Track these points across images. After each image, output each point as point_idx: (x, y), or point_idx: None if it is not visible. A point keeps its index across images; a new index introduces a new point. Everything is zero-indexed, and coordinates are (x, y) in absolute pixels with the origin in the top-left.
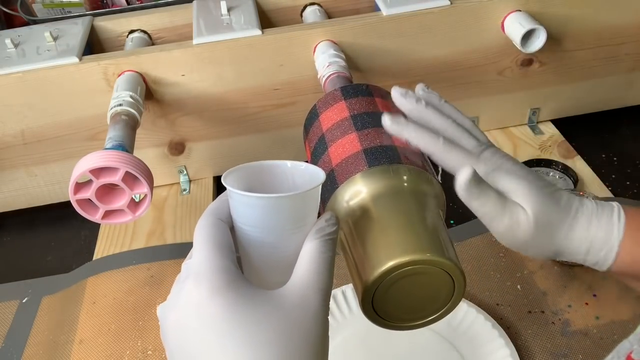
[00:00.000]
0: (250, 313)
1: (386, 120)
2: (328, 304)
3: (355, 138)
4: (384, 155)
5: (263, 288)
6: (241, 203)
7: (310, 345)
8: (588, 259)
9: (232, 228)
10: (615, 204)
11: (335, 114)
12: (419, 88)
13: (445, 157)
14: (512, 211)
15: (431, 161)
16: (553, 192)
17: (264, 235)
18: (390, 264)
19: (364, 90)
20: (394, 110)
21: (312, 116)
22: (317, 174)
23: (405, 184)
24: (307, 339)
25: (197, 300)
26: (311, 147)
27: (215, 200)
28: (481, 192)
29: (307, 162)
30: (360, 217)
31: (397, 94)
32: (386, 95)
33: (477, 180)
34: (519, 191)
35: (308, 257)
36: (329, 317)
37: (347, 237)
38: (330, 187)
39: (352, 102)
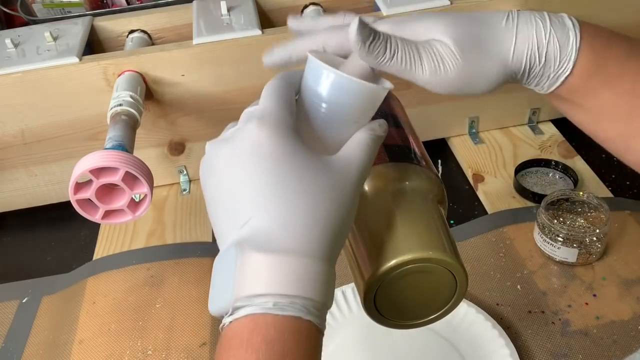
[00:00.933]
0: (303, 163)
1: (264, 58)
2: (363, 182)
3: None
4: (389, 154)
5: None
6: (323, 79)
7: (342, 206)
8: (542, 76)
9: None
10: (564, 13)
11: None
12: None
13: (331, 43)
14: (429, 49)
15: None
16: (476, 14)
17: (330, 113)
18: (393, 262)
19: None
20: (386, 106)
21: None
22: (387, 83)
23: (408, 183)
24: (341, 201)
25: (259, 139)
26: None
27: (289, 71)
28: (382, 40)
29: None
30: (362, 216)
31: (291, 20)
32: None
33: (369, 29)
34: (431, 26)
35: (357, 142)
36: (328, 317)
37: (348, 236)
38: None
39: None
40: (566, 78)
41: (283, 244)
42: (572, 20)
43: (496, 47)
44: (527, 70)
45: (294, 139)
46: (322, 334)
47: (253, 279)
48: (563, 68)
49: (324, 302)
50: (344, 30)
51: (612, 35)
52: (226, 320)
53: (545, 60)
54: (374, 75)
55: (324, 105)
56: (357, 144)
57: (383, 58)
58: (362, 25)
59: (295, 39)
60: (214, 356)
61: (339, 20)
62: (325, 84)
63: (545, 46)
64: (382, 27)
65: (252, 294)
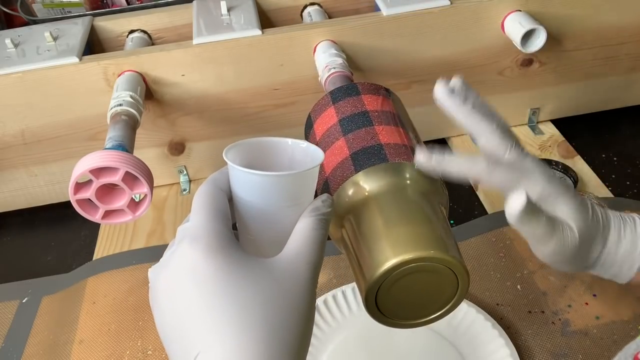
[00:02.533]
0: (243, 276)
1: (420, 157)
2: (317, 278)
3: (343, 143)
4: (372, 156)
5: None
6: (241, 178)
7: (297, 312)
8: (619, 271)
9: (230, 199)
10: (636, 216)
11: (326, 121)
12: (458, 83)
13: (490, 179)
14: (560, 232)
15: None
16: (590, 209)
17: (262, 210)
18: (394, 261)
19: (352, 90)
20: (383, 105)
21: (308, 126)
22: (316, 154)
23: (409, 182)
24: (295, 306)
25: (192, 260)
26: None
27: (216, 172)
28: (533, 217)
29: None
30: (363, 216)
31: (441, 92)
32: (376, 91)
33: (531, 206)
34: (567, 211)
35: (302, 232)
36: (328, 318)
37: (349, 235)
38: (325, 191)
39: (340, 105)
40: (633, 276)
41: None
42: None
43: (599, 247)
44: (603, 270)
45: (229, 252)
46: None
47: None
48: (631, 269)
49: None
50: (497, 172)
51: None
52: None
53: (621, 266)
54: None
55: (254, 204)
56: (300, 237)
57: (528, 228)
58: (529, 204)
59: (450, 157)
60: None
61: (490, 132)
62: (245, 184)
63: (622, 255)
64: (530, 190)
65: None
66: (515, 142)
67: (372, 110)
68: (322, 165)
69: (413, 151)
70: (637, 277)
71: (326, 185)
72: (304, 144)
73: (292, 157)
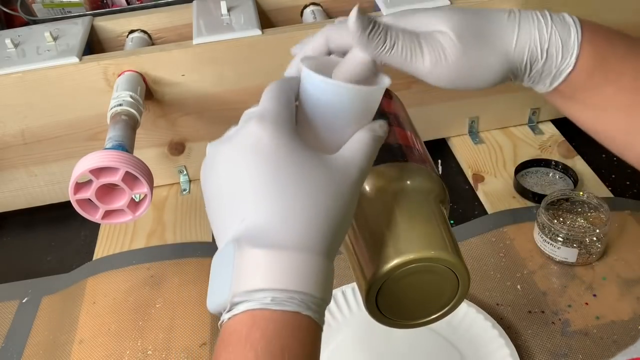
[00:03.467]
0: (303, 160)
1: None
2: (362, 182)
3: None
4: (391, 153)
5: None
6: (316, 86)
7: (342, 201)
8: (543, 69)
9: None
10: (565, 12)
11: None
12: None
13: (335, 36)
14: (429, 38)
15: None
16: (479, 9)
17: (327, 117)
18: (395, 261)
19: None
20: (391, 107)
21: None
22: (384, 79)
23: (410, 182)
24: (341, 196)
25: (259, 137)
26: None
27: (287, 77)
28: (382, 31)
29: None
30: (364, 216)
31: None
32: (387, 94)
33: (368, 18)
34: (433, 17)
35: (357, 141)
36: (328, 318)
37: (350, 235)
38: None
39: None
40: (569, 74)
41: (281, 239)
42: (572, 18)
43: (498, 40)
44: (529, 66)
45: (293, 137)
46: (321, 330)
47: (251, 275)
48: (565, 63)
49: (323, 298)
50: (345, 23)
51: (612, 33)
52: (224, 317)
53: (547, 55)
54: (373, 72)
55: (321, 110)
56: (356, 144)
57: (383, 48)
58: (361, 13)
59: (307, 38)
60: (214, 353)
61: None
62: (319, 91)
63: (547, 40)
64: (383, 20)
65: (250, 289)
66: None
67: (387, 111)
68: None
69: (414, 152)
70: (573, 78)
71: None
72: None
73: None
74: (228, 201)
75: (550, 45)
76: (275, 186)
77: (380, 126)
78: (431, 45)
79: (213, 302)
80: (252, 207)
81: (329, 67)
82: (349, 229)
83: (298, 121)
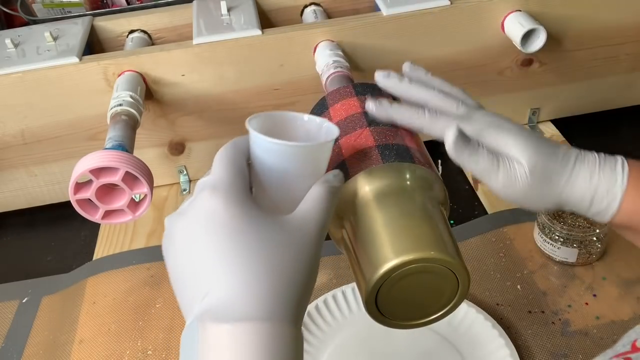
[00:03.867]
0: (258, 226)
1: (370, 104)
2: (322, 239)
3: (368, 133)
4: (397, 153)
5: None
6: (263, 146)
7: (302, 263)
8: (591, 210)
9: (248, 164)
10: (619, 156)
11: (347, 108)
12: (406, 66)
13: (432, 127)
14: (507, 165)
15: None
16: (550, 144)
17: (279, 176)
18: (395, 262)
19: (375, 89)
20: None
21: (320, 107)
22: (332, 130)
23: (409, 182)
24: (301, 258)
25: (212, 208)
26: None
27: (237, 137)
28: (472, 150)
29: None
30: (364, 216)
31: (380, 77)
32: (392, 95)
33: (463, 138)
34: (513, 144)
35: (313, 198)
36: (328, 318)
37: (350, 236)
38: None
39: (364, 99)
40: (614, 215)
41: (243, 311)
42: (622, 164)
43: (557, 186)
44: (576, 207)
45: (247, 203)
46: None
47: (215, 352)
48: (610, 208)
49: None
50: (441, 121)
51: None
52: None
53: (592, 202)
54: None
55: (272, 171)
56: (312, 200)
57: (468, 162)
58: (460, 135)
59: (398, 106)
60: None
61: (432, 96)
62: (267, 152)
63: (595, 189)
64: (469, 128)
65: None
66: (463, 100)
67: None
68: (340, 146)
69: (414, 152)
70: (620, 217)
71: (343, 167)
72: (318, 119)
73: (308, 131)
74: (189, 277)
75: (597, 194)
76: (233, 258)
77: (335, 176)
78: (507, 171)
79: None
80: (212, 281)
81: (278, 123)
82: (347, 234)
83: (253, 182)
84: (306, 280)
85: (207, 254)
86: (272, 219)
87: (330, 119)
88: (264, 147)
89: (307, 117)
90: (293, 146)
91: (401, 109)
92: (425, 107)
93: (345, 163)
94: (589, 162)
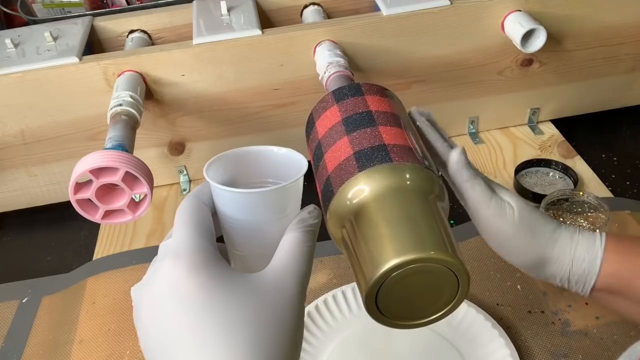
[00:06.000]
0: (227, 293)
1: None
2: (304, 292)
3: (346, 142)
4: (375, 156)
5: (245, 272)
6: (223, 195)
7: (285, 329)
8: (573, 270)
9: (214, 213)
10: (598, 233)
11: (329, 120)
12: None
13: (444, 148)
14: (499, 199)
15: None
16: (536, 209)
17: (246, 225)
18: (395, 262)
19: (355, 90)
20: (385, 106)
21: (310, 124)
22: (300, 163)
23: (409, 182)
24: (282, 322)
25: (175, 279)
26: (312, 155)
27: (199, 185)
28: (471, 174)
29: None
30: (363, 217)
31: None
32: (379, 92)
33: (467, 162)
34: (506, 192)
35: (288, 245)
36: (328, 318)
37: (350, 236)
38: (329, 194)
39: (343, 104)
40: (596, 276)
41: None
42: (599, 233)
43: (545, 240)
44: (559, 266)
45: (214, 269)
46: None
47: None
48: (592, 266)
49: None
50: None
51: (635, 238)
52: None
53: (573, 262)
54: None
55: (238, 220)
56: (287, 249)
57: (466, 184)
58: (467, 162)
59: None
60: None
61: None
62: (229, 202)
63: (575, 248)
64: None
65: None
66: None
67: (376, 110)
68: (324, 164)
69: (414, 152)
70: (602, 281)
71: (328, 183)
72: (283, 150)
73: (276, 163)
74: (159, 355)
75: (576, 253)
76: (207, 336)
77: (310, 213)
78: (499, 203)
79: None
80: None
81: (241, 161)
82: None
83: (224, 236)
84: (292, 344)
85: (177, 332)
86: (245, 281)
87: (317, 137)
88: (224, 196)
89: (275, 149)
90: (253, 193)
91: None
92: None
93: (330, 179)
94: (569, 228)
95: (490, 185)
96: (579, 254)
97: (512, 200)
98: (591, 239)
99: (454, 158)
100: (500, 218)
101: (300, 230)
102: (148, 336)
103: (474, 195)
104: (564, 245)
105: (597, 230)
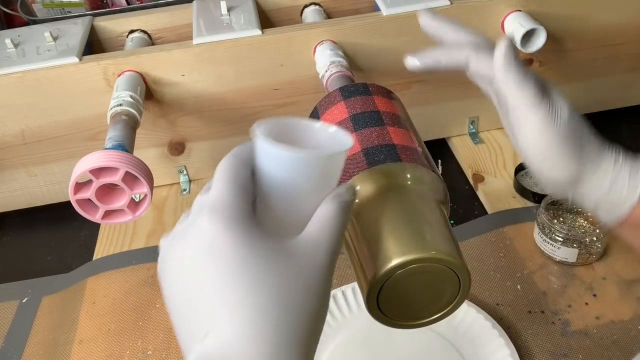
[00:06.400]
0: (261, 255)
1: (409, 59)
2: (334, 265)
3: (355, 139)
4: (384, 154)
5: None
6: (270, 154)
7: (313, 297)
8: (609, 197)
9: (252, 175)
10: None
11: (336, 115)
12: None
13: (478, 56)
14: (553, 100)
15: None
16: (585, 118)
17: (287, 189)
18: (396, 261)
19: (362, 89)
20: (392, 107)
21: (314, 118)
22: (345, 140)
23: (411, 182)
24: (311, 291)
25: (211, 234)
26: None
27: (240, 146)
28: (522, 67)
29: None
30: (365, 216)
31: (425, 17)
32: (386, 94)
33: (515, 55)
34: (559, 95)
35: (323, 217)
36: (328, 317)
37: (351, 236)
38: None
39: (351, 101)
40: (633, 206)
41: (248, 357)
42: None
43: (589, 156)
44: (595, 188)
45: (250, 228)
46: None
47: None
48: (629, 196)
49: None
50: (487, 50)
51: None
52: None
53: (611, 188)
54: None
55: (280, 183)
56: (322, 220)
57: (516, 82)
58: (512, 46)
59: (439, 47)
60: None
61: (472, 37)
62: (275, 162)
63: (617, 175)
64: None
65: None
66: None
67: (383, 111)
68: None
69: (415, 152)
70: (622, 225)
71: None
72: (331, 128)
73: (319, 141)
74: (187, 311)
75: (618, 180)
76: (236, 295)
77: (347, 190)
78: (550, 106)
79: None
80: (213, 320)
81: (285, 131)
82: (349, 234)
83: (258, 198)
84: (316, 316)
85: (207, 288)
86: (279, 244)
87: None
88: (273, 156)
89: (318, 124)
90: (307, 155)
91: (442, 49)
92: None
93: None
94: (613, 148)
95: (542, 84)
96: (621, 180)
97: (565, 105)
98: (635, 166)
99: (500, 51)
100: (549, 124)
101: (336, 204)
102: (175, 291)
103: (525, 96)
104: (607, 165)
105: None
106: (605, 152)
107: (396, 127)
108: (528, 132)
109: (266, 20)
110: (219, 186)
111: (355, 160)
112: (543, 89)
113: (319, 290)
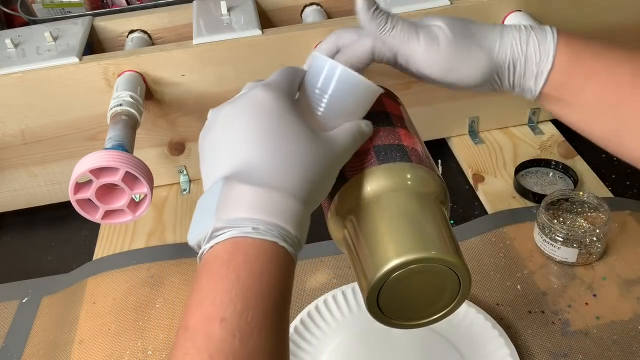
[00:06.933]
0: (297, 124)
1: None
2: (342, 162)
3: None
4: (393, 154)
5: None
6: (326, 70)
7: (324, 168)
8: (526, 71)
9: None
10: (548, 27)
11: None
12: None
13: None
14: (426, 27)
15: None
16: (471, 21)
17: (333, 100)
18: (396, 261)
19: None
20: (398, 110)
21: None
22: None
23: (411, 183)
24: (324, 164)
25: (262, 98)
26: None
27: (293, 66)
28: (385, 13)
29: None
30: (366, 215)
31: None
32: (393, 97)
33: (376, 6)
34: (431, 17)
35: (344, 128)
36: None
37: (352, 235)
38: (339, 180)
39: None
40: (549, 73)
41: (267, 179)
42: (550, 27)
43: (484, 39)
44: (511, 65)
45: (292, 105)
46: (294, 265)
47: (235, 205)
48: (544, 62)
49: (298, 237)
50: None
51: (587, 38)
52: (206, 247)
53: (527, 55)
54: (370, 61)
55: (323, 95)
56: (344, 130)
57: (384, 27)
58: (374, 4)
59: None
60: (195, 279)
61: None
62: (328, 76)
63: (526, 42)
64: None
65: (233, 218)
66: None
67: (392, 113)
68: None
69: (415, 153)
70: (552, 81)
71: (340, 171)
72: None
73: None
74: (221, 148)
75: (529, 46)
76: (267, 137)
77: (367, 125)
78: (427, 32)
79: (194, 232)
80: (244, 148)
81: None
82: (349, 234)
83: (297, 105)
84: (321, 180)
85: (245, 128)
86: (309, 126)
87: None
88: (326, 70)
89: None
90: (356, 76)
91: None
92: None
93: (343, 167)
94: (516, 26)
95: (410, 23)
96: (531, 52)
97: (439, 20)
98: (542, 34)
99: (359, 5)
100: (433, 44)
101: (357, 127)
102: (216, 136)
103: (399, 38)
104: (513, 45)
105: (548, 27)
106: (508, 34)
107: (404, 130)
108: (418, 61)
109: (266, 20)
110: (275, 75)
111: (364, 156)
112: (414, 23)
113: (327, 167)
